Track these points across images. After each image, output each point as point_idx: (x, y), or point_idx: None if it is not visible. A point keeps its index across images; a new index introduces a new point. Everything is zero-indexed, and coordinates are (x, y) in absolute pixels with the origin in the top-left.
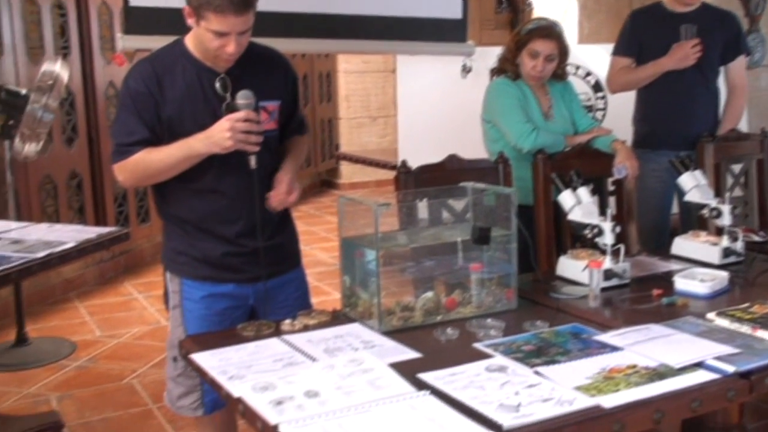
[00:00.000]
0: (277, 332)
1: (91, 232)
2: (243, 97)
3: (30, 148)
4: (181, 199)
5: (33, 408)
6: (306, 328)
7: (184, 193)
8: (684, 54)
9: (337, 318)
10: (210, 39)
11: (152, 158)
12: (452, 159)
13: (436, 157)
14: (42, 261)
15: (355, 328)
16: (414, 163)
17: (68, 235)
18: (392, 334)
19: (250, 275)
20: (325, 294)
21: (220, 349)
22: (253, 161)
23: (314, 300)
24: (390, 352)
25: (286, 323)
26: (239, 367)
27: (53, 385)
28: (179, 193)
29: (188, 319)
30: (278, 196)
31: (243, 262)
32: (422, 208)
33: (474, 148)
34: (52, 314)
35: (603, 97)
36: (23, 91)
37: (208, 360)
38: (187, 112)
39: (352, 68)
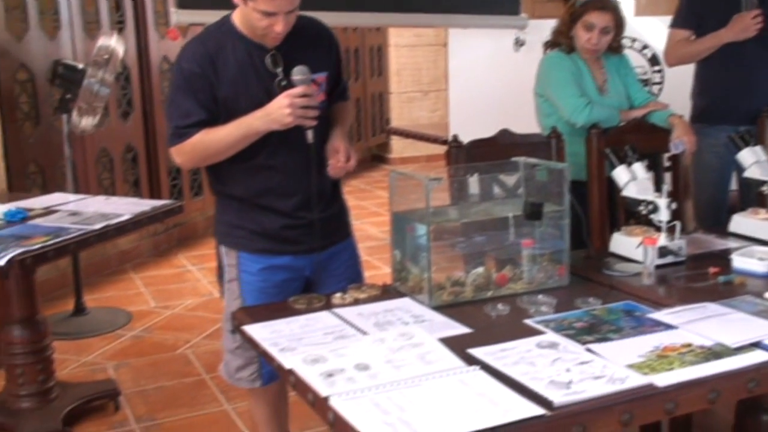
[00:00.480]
0: (328, 305)
1: (146, 204)
2: (299, 72)
3: (87, 122)
4: (235, 178)
5: (90, 376)
6: (356, 302)
7: (238, 171)
8: (745, 25)
9: (387, 292)
10: (258, 18)
11: (211, 139)
12: (504, 134)
13: (487, 131)
14: (99, 232)
15: (405, 302)
16: (465, 138)
17: (124, 207)
18: (442, 309)
19: (306, 247)
20: (376, 268)
21: (272, 322)
22: (310, 135)
23: (365, 274)
24: (440, 326)
25: (337, 297)
26: (291, 340)
27: (110, 354)
28: (234, 172)
29: (246, 291)
30: (338, 164)
31: (300, 234)
32: (473, 183)
33: (526, 123)
34: (108, 285)
35: (660, 71)
36: (80, 66)
37: (259, 332)
38: (241, 90)
39: (404, 42)
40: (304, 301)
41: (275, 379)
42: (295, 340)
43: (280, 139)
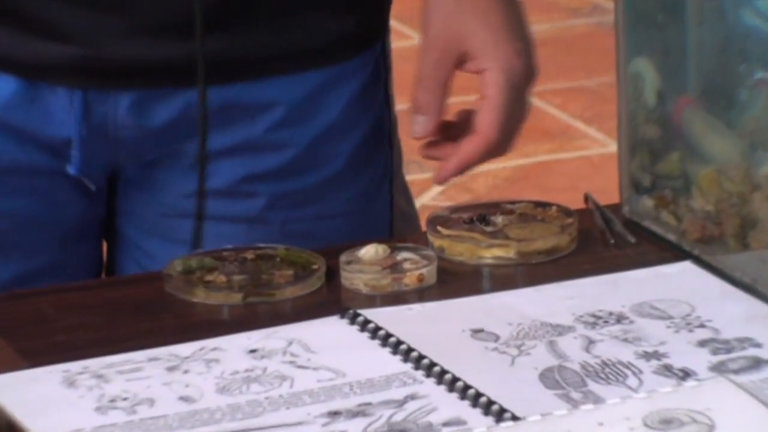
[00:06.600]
0: (354, 309)
1: None
2: None
3: None
4: None
5: None
6: (449, 290)
7: None
8: None
9: (589, 243)
10: None
11: None
12: None
13: None
14: None
15: (684, 276)
16: None
17: None
18: None
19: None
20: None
21: (112, 359)
22: None
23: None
24: None
25: (371, 250)
26: None
27: None
28: None
29: None
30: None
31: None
32: None
33: None
34: None
35: None
36: None
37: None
38: None
39: None
40: (237, 281)
41: None
42: None
43: None
